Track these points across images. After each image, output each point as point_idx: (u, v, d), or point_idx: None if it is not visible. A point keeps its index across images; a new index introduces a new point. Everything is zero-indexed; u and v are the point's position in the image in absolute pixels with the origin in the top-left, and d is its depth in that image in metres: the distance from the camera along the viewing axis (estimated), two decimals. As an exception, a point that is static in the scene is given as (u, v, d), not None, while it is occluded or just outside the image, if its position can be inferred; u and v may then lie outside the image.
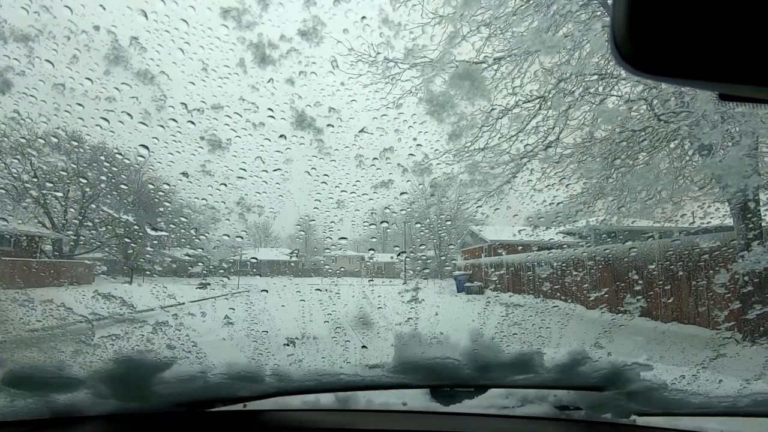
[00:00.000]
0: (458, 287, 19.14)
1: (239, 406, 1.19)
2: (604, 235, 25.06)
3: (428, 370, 1.25)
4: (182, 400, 1.18)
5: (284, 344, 2.08)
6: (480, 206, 8.67)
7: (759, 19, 0.37)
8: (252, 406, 1.19)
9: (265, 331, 2.47)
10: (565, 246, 22.64)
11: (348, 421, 1.12)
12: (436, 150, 7.57)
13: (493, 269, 17.61)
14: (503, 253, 17.32)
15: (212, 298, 19.88)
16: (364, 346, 1.71)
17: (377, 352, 1.51)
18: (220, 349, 1.98)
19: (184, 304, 17.18)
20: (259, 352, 1.90)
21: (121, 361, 1.28)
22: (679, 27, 0.39)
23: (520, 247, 21.92)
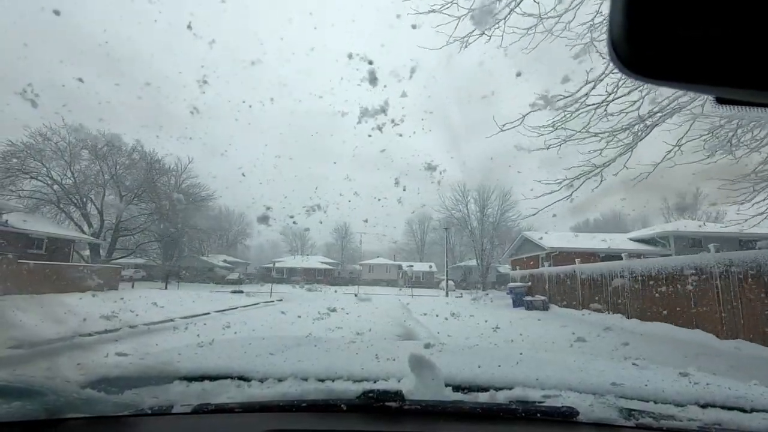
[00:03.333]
0: (515, 301, 16.43)
1: (237, 409, 1.15)
2: (687, 242, 21.32)
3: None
4: (181, 402, 1.17)
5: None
6: (552, 204, 6.22)
7: (756, 23, 0.37)
8: (249, 407, 1.16)
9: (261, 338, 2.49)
10: (644, 255, 19.39)
11: (347, 422, 1.09)
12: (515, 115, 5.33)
13: (560, 281, 14.80)
14: (577, 261, 14.47)
15: (241, 307, 18.48)
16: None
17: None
18: (223, 355, 1.80)
19: (209, 314, 15.42)
20: (256, 355, 1.79)
21: (120, 365, 1.47)
22: (677, 30, 0.39)
23: (578, 259, 18.99)
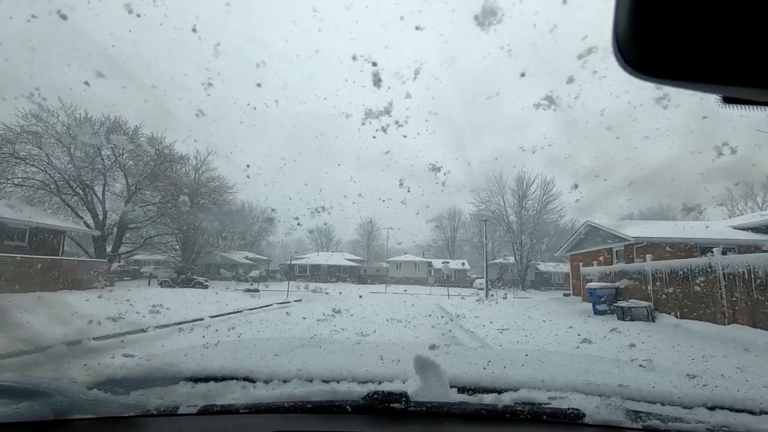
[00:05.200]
0: (597, 306, 12.50)
1: (243, 410, 1.14)
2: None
3: None
4: (187, 403, 1.16)
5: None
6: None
7: (762, 22, 0.38)
8: (254, 408, 1.15)
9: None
10: (758, 246, 15.02)
11: (351, 424, 1.08)
12: None
13: (677, 280, 10.60)
14: (715, 251, 10.36)
15: (247, 310, 15.36)
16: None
17: None
18: (228, 357, 1.77)
19: (202, 320, 12.20)
20: (261, 357, 1.79)
21: (126, 366, 1.46)
22: (683, 30, 0.40)
23: (666, 250, 14.78)
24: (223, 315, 12.85)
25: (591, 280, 14.11)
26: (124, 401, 1.13)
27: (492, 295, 28.12)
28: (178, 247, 39.72)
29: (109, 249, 25.32)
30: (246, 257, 51.32)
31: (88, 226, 24.20)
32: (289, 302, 19.21)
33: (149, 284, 32.86)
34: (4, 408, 0.99)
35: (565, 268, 48.23)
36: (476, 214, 47.59)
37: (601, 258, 17.16)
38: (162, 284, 27.48)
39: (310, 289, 31.44)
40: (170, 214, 28.53)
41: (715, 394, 1.29)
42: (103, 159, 23.13)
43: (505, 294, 26.33)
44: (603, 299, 12.22)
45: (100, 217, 25.80)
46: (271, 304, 17.44)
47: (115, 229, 26.60)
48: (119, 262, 48.15)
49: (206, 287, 26.57)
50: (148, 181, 25.67)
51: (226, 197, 43.67)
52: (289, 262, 54.94)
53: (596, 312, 12.30)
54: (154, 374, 1.39)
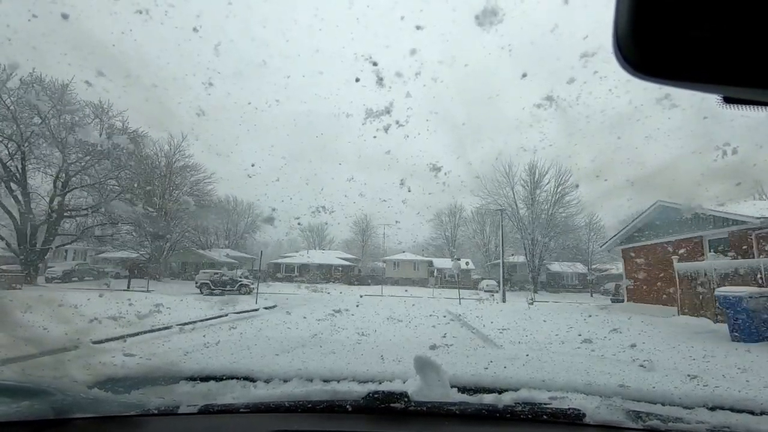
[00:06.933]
0: (739, 327, 7.60)
1: (243, 409, 1.12)
2: None
3: None
4: (187, 402, 1.14)
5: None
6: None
7: (763, 22, 0.38)
8: (254, 407, 1.13)
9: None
10: None
11: (352, 423, 1.06)
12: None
13: None
14: None
15: (170, 326, 10.69)
16: None
17: None
18: (228, 356, 1.79)
19: (77, 348, 6.77)
20: (261, 356, 1.85)
21: (126, 365, 1.45)
22: (684, 30, 0.40)
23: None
24: (127, 336, 8.03)
25: (695, 281, 9.41)
26: (124, 400, 1.12)
27: (495, 297, 23.55)
28: (147, 243, 34.74)
29: (39, 241, 20.29)
30: (227, 255, 46.46)
31: (9, 213, 19.16)
32: (257, 310, 14.37)
33: (108, 286, 27.93)
34: (5, 407, 0.97)
35: (581, 268, 44.04)
36: (482, 208, 43.16)
37: (681, 251, 12.51)
38: (202, 289, 20.62)
39: (291, 291, 26.65)
40: (125, 201, 23.57)
41: (716, 394, 1.28)
42: (18, 125, 18.07)
43: (531, 299, 21.65)
44: (753, 315, 7.20)
45: (32, 204, 20.76)
46: (227, 314, 12.60)
47: (57, 216, 21.56)
48: (84, 258, 43.18)
49: (250, 291, 20.85)
50: (90, 158, 20.68)
51: (204, 187, 39.03)
52: (276, 260, 50.15)
53: (739, 337, 7.37)
54: (155, 373, 1.39)
